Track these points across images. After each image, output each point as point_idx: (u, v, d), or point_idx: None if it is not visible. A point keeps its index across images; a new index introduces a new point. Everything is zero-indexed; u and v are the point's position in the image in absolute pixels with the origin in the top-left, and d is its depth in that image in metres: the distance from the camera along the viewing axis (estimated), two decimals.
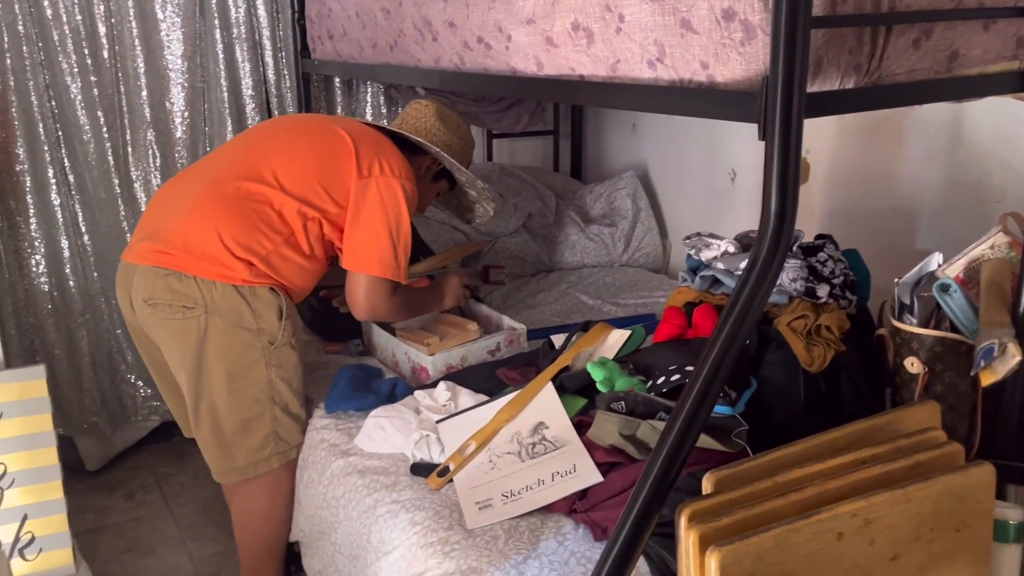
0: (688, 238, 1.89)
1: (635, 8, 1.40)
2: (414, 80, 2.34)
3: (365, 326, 2.31)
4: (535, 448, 1.65)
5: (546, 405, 1.73)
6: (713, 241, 1.83)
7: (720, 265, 1.79)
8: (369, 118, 3.15)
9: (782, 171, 1.19)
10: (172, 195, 1.94)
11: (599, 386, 1.61)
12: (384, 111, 3.17)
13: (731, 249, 1.79)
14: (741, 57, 1.25)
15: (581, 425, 1.68)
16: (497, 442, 1.70)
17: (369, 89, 3.12)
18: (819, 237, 1.91)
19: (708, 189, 3.01)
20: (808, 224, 2.62)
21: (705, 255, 1.82)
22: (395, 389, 2.00)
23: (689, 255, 1.90)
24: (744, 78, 1.26)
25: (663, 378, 1.57)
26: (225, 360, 1.81)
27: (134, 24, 2.68)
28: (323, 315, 2.35)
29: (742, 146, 2.84)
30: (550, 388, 1.75)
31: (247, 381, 1.84)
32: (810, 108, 1.19)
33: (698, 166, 3.04)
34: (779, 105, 1.17)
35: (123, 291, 1.92)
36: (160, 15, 2.71)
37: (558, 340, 1.94)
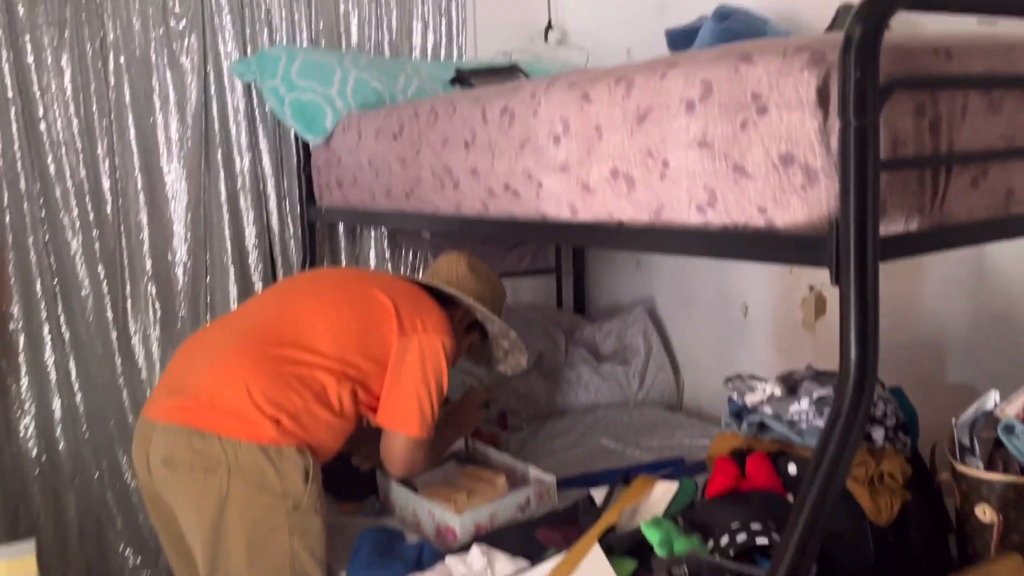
0: (729, 380, 1.81)
1: (680, 155, 1.38)
2: (433, 227, 2.32)
3: (382, 482, 2.17)
4: None
5: (596, 570, 1.59)
6: (757, 383, 1.75)
7: (767, 410, 1.71)
8: (372, 262, 3.12)
9: (860, 318, 1.13)
10: (199, 349, 1.87)
11: (657, 549, 1.49)
12: (388, 255, 3.13)
13: (777, 392, 1.72)
14: (802, 201, 1.22)
15: None
16: None
17: (373, 234, 3.10)
18: None
19: (720, 324, 2.97)
20: (831, 361, 2.56)
21: (750, 399, 1.75)
22: (422, 554, 1.85)
23: (731, 398, 1.82)
24: (807, 222, 1.23)
25: (727, 538, 1.45)
26: (246, 526, 1.68)
27: (139, 177, 2.66)
28: (337, 471, 2.21)
29: (752, 280, 2.82)
30: (598, 551, 1.62)
31: (268, 549, 1.70)
32: (881, 252, 1.15)
33: (708, 301, 3.01)
34: (852, 250, 1.13)
35: (140, 451, 1.80)
36: (166, 168, 2.70)
37: (597, 494, 1.82)
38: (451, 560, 1.75)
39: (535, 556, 1.72)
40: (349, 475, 2.22)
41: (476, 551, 1.75)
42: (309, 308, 1.87)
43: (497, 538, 1.82)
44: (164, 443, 1.72)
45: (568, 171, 1.62)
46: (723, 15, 2.26)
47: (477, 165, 1.90)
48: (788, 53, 1.20)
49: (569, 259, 3.49)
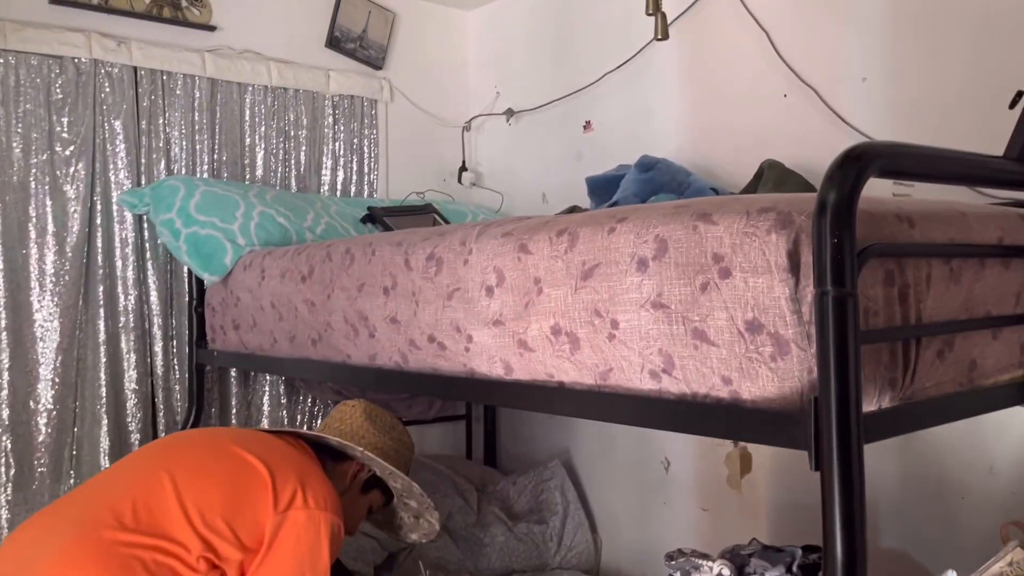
0: (671, 557, 1.65)
1: (631, 315, 1.26)
2: (343, 378, 2.12)
3: None
4: None
5: None
6: (702, 563, 1.60)
7: None
8: (266, 410, 2.85)
9: (846, 509, 1.00)
10: (32, 541, 1.52)
11: None
12: (284, 401, 2.88)
13: (726, 572, 1.56)
14: (772, 373, 1.11)
15: None
16: None
17: (268, 379, 2.85)
18: (809, 549, 1.72)
19: (640, 479, 2.83)
20: (756, 522, 2.45)
21: None
22: None
23: None
24: (778, 396, 1.11)
25: None
26: None
27: (3, 316, 2.35)
28: None
29: (674, 434, 2.71)
30: None
31: None
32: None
33: (627, 453, 2.88)
34: (835, 431, 1.01)
35: None
36: (36, 305, 2.41)
37: None
38: None
39: None
40: None
41: None
42: (166, 483, 1.54)
43: None
44: None
45: (503, 325, 1.48)
46: (646, 165, 2.25)
47: (397, 313, 1.74)
48: (752, 213, 1.12)
49: (480, 406, 3.32)
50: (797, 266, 1.08)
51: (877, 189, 1.45)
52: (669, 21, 2.59)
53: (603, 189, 2.39)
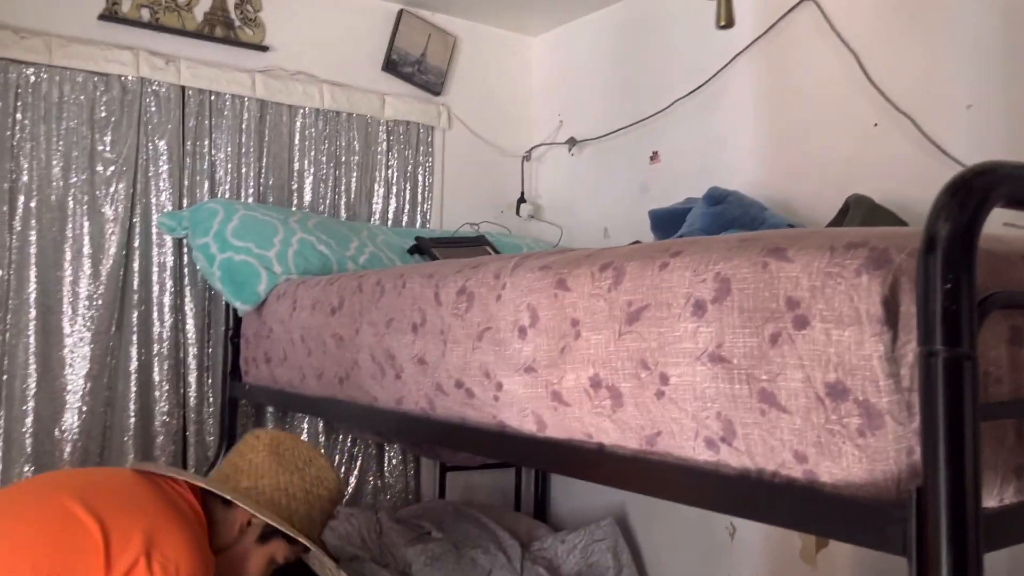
0: None
1: (684, 369, 1.04)
2: (368, 422, 1.94)
3: None
4: None
5: None
6: None
7: None
8: None
9: None
10: None
11: None
12: (322, 439, 2.72)
13: None
14: (860, 452, 0.88)
15: None
16: None
17: (307, 416, 2.69)
18: None
19: (702, 544, 2.55)
20: None
21: None
22: None
23: None
24: (867, 481, 0.88)
25: None
26: None
27: (32, 340, 2.26)
28: None
29: None
30: None
31: None
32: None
33: (689, 514, 2.60)
34: (946, 533, 0.77)
35: None
36: (67, 329, 2.31)
37: None
38: None
39: None
40: None
41: None
42: None
43: None
44: None
45: (535, 373, 1.28)
46: (716, 198, 2.02)
47: (425, 354, 1.56)
48: (837, 249, 0.90)
49: None
50: (895, 317, 0.85)
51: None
52: (747, 44, 2.38)
53: (668, 223, 2.17)
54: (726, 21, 1.75)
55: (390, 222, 2.92)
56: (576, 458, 1.24)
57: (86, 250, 2.34)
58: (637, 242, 2.23)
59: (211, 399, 2.53)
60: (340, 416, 2.03)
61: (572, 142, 3.00)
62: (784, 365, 0.93)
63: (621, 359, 1.13)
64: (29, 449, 2.25)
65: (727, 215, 1.99)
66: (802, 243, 0.94)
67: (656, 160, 2.74)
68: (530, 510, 3.05)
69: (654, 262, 1.10)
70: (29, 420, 2.25)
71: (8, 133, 2.26)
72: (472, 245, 2.70)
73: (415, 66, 2.96)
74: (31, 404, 2.26)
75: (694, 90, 2.58)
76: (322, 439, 2.72)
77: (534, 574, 2.55)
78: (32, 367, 2.26)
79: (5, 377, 2.24)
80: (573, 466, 1.27)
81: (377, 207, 2.89)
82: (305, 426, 2.69)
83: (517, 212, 3.16)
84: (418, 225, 2.98)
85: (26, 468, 2.24)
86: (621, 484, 1.19)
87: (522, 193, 3.17)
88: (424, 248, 2.59)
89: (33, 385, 2.26)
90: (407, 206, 2.95)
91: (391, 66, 2.91)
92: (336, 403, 1.92)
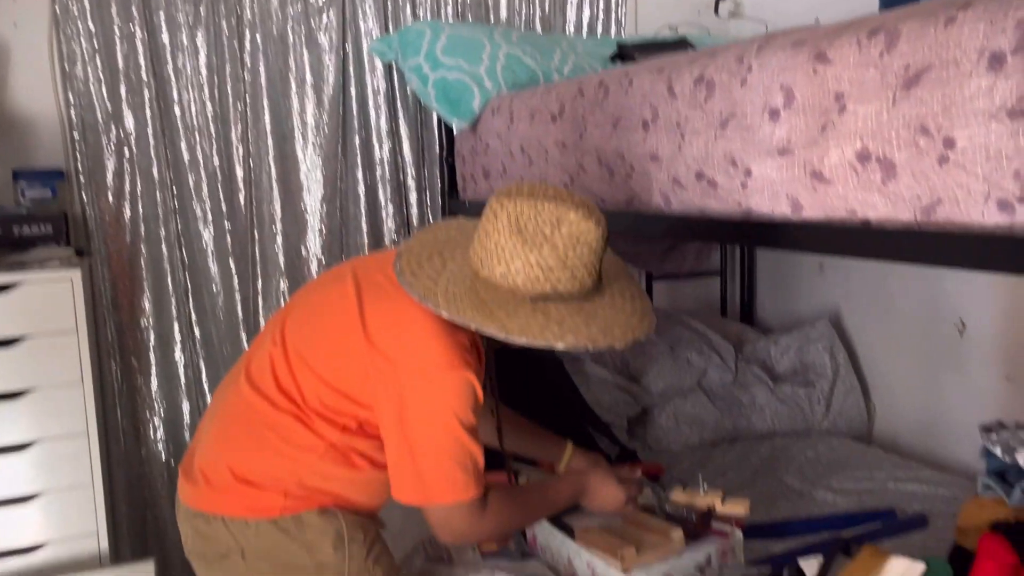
0: (990, 429, 1.39)
1: (975, 130, 0.98)
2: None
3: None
4: None
5: None
6: None
7: None
8: None
9: None
10: (214, 403, 1.50)
11: None
12: None
13: None
14: None
15: None
16: None
17: None
18: None
19: (925, 342, 2.49)
20: None
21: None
22: None
23: (990, 453, 1.40)
24: None
25: None
26: None
27: (273, 166, 2.47)
28: None
29: (972, 292, 2.33)
30: None
31: None
32: None
33: (910, 313, 2.54)
34: None
35: None
36: (300, 155, 2.50)
37: (808, 566, 1.45)
38: None
39: None
40: None
41: None
42: (293, 330, 1.39)
43: None
44: (182, 530, 1.43)
45: (791, 154, 1.25)
46: None
47: (658, 149, 1.56)
48: None
49: (735, 259, 3.09)
50: None
51: None
52: None
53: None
54: None
55: (584, 31, 2.85)
56: (838, 236, 1.22)
57: (308, 79, 2.47)
58: None
59: (430, 217, 2.68)
60: None
61: None
62: None
63: (896, 128, 1.08)
64: (282, 266, 2.51)
65: None
66: None
67: None
68: (737, 317, 3.08)
69: (937, 19, 1.02)
70: (279, 240, 2.50)
71: None
72: (675, 48, 2.60)
73: None
74: (279, 226, 2.49)
75: None
76: None
77: (749, 373, 2.61)
78: (276, 191, 2.48)
79: (255, 202, 2.47)
80: (834, 244, 1.25)
81: (571, 17, 2.83)
82: None
83: (716, 11, 2.99)
84: (613, 33, 2.90)
85: (281, 282, 2.51)
86: (891, 257, 1.17)
87: None
88: (627, 54, 2.52)
89: (279, 208, 2.49)
90: (601, 14, 2.86)
91: None
92: None
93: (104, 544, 2.02)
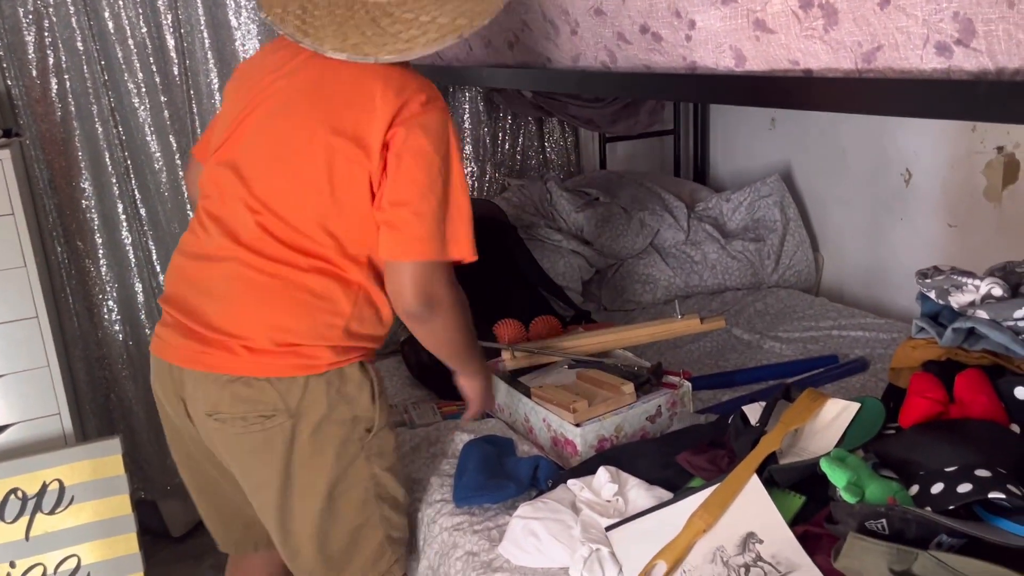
0: (926, 276, 1.44)
1: None
2: (541, 85, 1.95)
3: (493, 382, 1.90)
4: (750, 572, 1.23)
5: (755, 509, 1.30)
6: (966, 281, 1.37)
7: (983, 314, 1.33)
8: (468, 128, 2.77)
9: None
10: (200, 264, 1.43)
11: (843, 493, 1.18)
12: (484, 118, 2.78)
13: (996, 292, 1.34)
14: None
15: (805, 537, 1.26)
16: (694, 560, 1.29)
17: (467, 94, 2.73)
18: None
19: (872, 193, 2.53)
20: (1018, 240, 2.14)
21: (957, 299, 1.37)
22: (537, 471, 1.61)
23: (926, 297, 1.45)
24: None
25: (940, 486, 1.13)
26: (322, 467, 1.43)
27: (205, 34, 2.34)
28: (436, 367, 1.97)
29: (918, 140, 2.35)
30: (757, 484, 1.33)
31: (350, 484, 1.46)
32: None
33: (857, 165, 2.57)
34: None
35: (171, 395, 1.45)
36: (234, 22, 2.37)
37: (751, 411, 1.52)
38: (574, 484, 1.50)
39: (675, 485, 1.44)
40: (449, 372, 1.98)
41: (604, 475, 1.48)
42: (251, 208, 1.37)
43: (627, 459, 1.55)
44: (204, 395, 1.40)
45: (734, 2, 1.22)
46: None
47: (603, 3, 1.50)
48: None
49: (689, 118, 3.07)
50: None
51: None
52: None
53: None
54: None
55: None
56: (779, 88, 1.21)
57: None
58: None
59: None
60: (511, 83, 2.03)
61: None
62: None
63: None
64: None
65: None
66: None
67: None
68: (690, 176, 3.09)
69: None
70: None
71: None
72: None
73: None
74: (217, 98, 2.39)
75: None
76: (483, 117, 2.78)
77: (701, 231, 2.65)
78: (211, 62, 2.36)
79: (189, 74, 2.36)
80: (776, 96, 1.24)
81: None
82: (467, 106, 2.75)
83: None
84: None
85: None
86: (832, 107, 1.16)
87: None
88: None
89: (216, 79, 2.37)
90: None
91: None
92: (506, 70, 1.93)
93: (68, 424, 2.04)
